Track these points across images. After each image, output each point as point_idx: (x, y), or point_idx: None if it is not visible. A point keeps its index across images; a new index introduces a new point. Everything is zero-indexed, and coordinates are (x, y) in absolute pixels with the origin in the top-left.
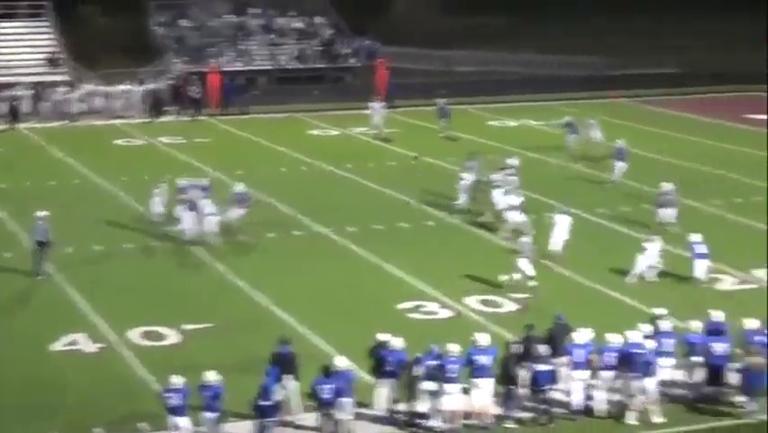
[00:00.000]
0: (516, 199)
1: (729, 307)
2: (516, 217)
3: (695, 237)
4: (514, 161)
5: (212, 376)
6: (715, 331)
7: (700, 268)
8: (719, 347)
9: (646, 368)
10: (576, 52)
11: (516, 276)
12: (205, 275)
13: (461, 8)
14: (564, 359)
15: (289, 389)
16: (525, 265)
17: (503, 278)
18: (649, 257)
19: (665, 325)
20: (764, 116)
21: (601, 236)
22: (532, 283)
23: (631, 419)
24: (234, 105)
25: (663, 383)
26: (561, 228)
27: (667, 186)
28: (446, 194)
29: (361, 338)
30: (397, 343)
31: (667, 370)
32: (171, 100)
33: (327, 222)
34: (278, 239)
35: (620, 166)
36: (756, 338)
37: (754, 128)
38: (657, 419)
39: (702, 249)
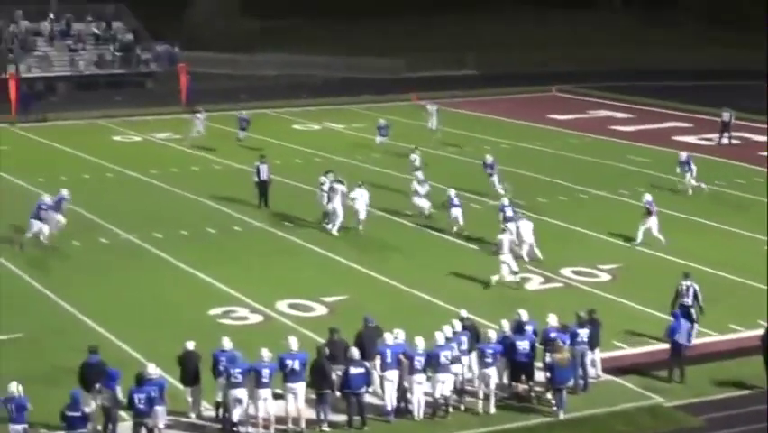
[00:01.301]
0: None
1: (537, 305)
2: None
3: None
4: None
5: (14, 387)
6: (519, 329)
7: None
8: (523, 345)
9: (448, 368)
10: (376, 54)
11: (505, 273)
12: (11, 285)
13: (260, 10)
14: (376, 361)
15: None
16: (509, 260)
17: (494, 277)
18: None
19: (460, 325)
20: (564, 116)
21: (410, 239)
22: (515, 277)
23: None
24: (32, 111)
25: (467, 381)
26: (526, 233)
27: (451, 191)
28: (247, 199)
29: (171, 345)
30: (227, 343)
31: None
32: None
33: (133, 228)
34: (85, 247)
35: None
36: (553, 334)
37: (556, 128)
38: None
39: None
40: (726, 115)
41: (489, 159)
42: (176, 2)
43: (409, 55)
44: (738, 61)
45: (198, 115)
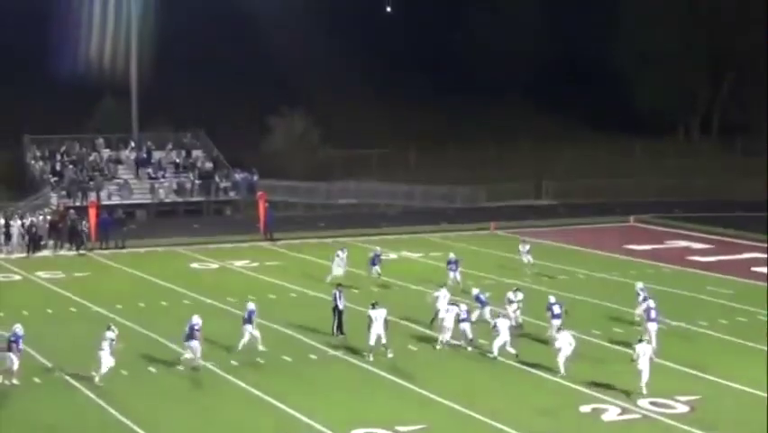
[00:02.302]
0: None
1: None
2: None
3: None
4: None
5: None
6: None
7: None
8: None
9: None
10: (452, 183)
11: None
12: (90, 415)
13: (340, 139)
14: None
15: None
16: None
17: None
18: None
19: None
20: (642, 246)
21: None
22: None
23: None
24: (112, 238)
25: None
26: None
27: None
28: (322, 327)
29: None
30: None
31: None
32: (48, 235)
33: (210, 357)
34: (161, 374)
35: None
36: None
37: (633, 258)
38: None
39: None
40: None
41: (453, 257)
42: (255, 130)
43: (488, 184)
44: None
45: (340, 253)
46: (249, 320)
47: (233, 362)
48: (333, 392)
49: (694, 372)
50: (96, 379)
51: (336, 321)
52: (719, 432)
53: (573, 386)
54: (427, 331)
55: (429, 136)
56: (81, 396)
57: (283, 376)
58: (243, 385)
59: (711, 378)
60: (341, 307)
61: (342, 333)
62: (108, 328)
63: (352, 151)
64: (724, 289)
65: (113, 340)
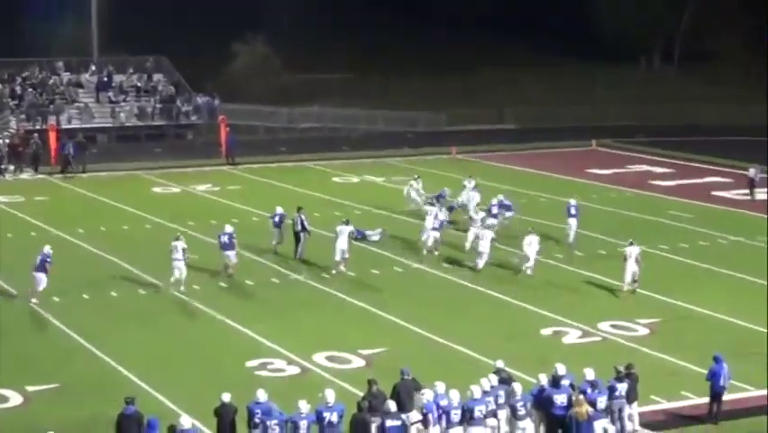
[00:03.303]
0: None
1: (574, 359)
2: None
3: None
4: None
5: None
6: (555, 383)
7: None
8: (560, 399)
9: (483, 422)
10: (414, 109)
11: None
12: (48, 335)
13: (302, 65)
14: (413, 415)
15: None
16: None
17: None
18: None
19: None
20: (604, 171)
21: (444, 291)
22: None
23: None
24: (73, 163)
25: None
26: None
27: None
28: (285, 251)
29: (208, 397)
30: (262, 396)
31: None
32: (8, 159)
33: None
34: (123, 298)
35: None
36: (587, 389)
37: (595, 182)
38: None
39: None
40: (752, 172)
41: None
42: (217, 55)
43: (449, 110)
44: None
45: (413, 183)
46: (230, 245)
47: (195, 286)
48: (296, 316)
49: (655, 295)
50: (181, 287)
51: (298, 245)
52: (679, 354)
53: (535, 309)
54: (387, 254)
55: (392, 64)
56: (40, 317)
57: (246, 300)
58: (205, 309)
59: (671, 301)
60: (301, 230)
61: (301, 257)
62: (177, 239)
63: (314, 75)
64: (685, 213)
65: (185, 249)
